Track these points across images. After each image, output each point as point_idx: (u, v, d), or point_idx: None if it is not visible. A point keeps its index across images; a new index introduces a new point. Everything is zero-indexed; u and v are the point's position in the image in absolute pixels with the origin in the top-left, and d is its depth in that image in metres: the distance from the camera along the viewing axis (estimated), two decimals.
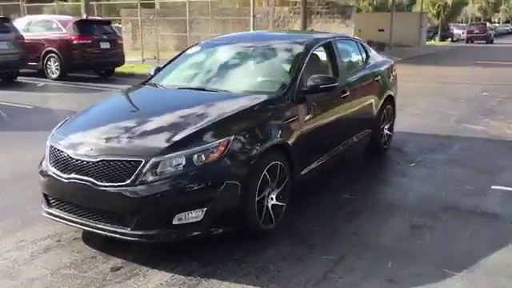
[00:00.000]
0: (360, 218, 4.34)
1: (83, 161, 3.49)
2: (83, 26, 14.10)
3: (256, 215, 3.71)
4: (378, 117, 6.03)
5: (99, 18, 16.66)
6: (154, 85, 4.88)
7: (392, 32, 29.35)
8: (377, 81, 6.00)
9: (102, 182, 3.39)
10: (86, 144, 3.59)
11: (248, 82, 4.64)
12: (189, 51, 5.38)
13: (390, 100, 6.42)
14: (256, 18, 25.58)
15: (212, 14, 20.65)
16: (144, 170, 3.33)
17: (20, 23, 14.88)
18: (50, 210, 3.76)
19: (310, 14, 24.20)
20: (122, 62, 14.97)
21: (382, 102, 6.08)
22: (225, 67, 4.96)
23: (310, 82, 4.42)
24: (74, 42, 13.71)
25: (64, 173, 3.57)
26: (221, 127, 3.68)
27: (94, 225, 3.49)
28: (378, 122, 6.04)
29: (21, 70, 13.89)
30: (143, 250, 3.65)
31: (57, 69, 13.98)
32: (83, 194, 3.48)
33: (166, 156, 3.38)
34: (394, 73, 6.75)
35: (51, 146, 3.79)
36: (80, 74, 14.84)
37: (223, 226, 3.59)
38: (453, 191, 5.00)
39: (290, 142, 4.09)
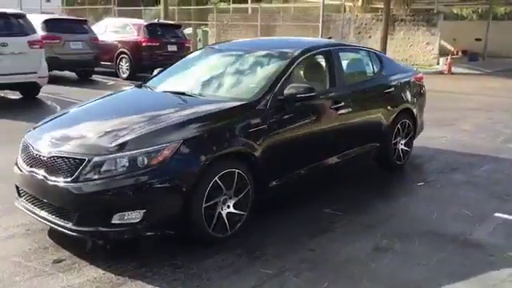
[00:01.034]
0: (328, 235, 4.16)
1: (39, 155, 3.72)
2: (153, 30, 14.81)
3: (203, 222, 3.71)
4: (389, 131, 5.73)
5: (170, 22, 17.35)
6: (145, 87, 5.04)
7: (489, 41, 27.46)
8: (388, 93, 5.71)
9: (51, 176, 3.58)
10: (44, 140, 3.82)
11: (228, 89, 4.66)
12: (190, 56, 5.50)
13: (408, 113, 6.07)
14: (336, 25, 25.50)
15: (283, 20, 20.70)
16: (86, 168, 3.46)
17: (100, 25, 15.97)
18: (20, 201, 4.03)
19: (393, 21, 23.47)
20: None
21: (394, 115, 5.78)
22: (212, 73, 5.02)
23: (286, 91, 4.34)
24: (143, 44, 14.44)
25: (27, 166, 3.82)
26: (172, 131, 3.72)
27: (46, 217, 3.70)
28: (388, 136, 5.74)
29: (97, 69, 14.89)
30: (95, 246, 3.80)
31: (127, 69, 14.80)
32: (38, 187, 3.70)
33: (109, 156, 3.49)
34: (418, 85, 6.39)
35: (23, 141, 4.07)
36: (148, 74, 15.57)
37: (164, 229, 3.65)
38: (447, 215, 4.64)
39: (254, 151, 4.04)
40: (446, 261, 3.73)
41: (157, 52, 14.49)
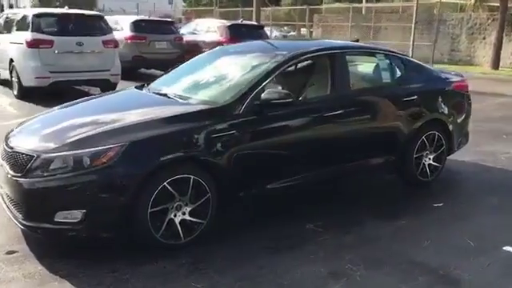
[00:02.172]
0: (291, 253, 3.85)
1: (5, 150, 3.90)
2: (235, 30, 14.99)
3: (149, 226, 3.64)
4: (408, 143, 5.18)
5: (253, 23, 17.43)
6: (143, 87, 5.06)
7: None
8: (409, 101, 5.16)
9: (10, 170, 3.74)
10: (14, 136, 4.00)
11: (208, 92, 4.52)
12: (195, 57, 5.44)
13: (439, 125, 5.46)
14: (447, 25, 23.89)
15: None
16: (34, 165, 3.56)
17: (189, 26, 16.57)
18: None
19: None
20: None
21: (417, 126, 5.22)
22: (202, 75, 4.91)
23: (262, 96, 4.11)
24: (224, 44, 14.67)
25: (1, 159, 4.02)
26: (121, 133, 3.69)
27: (7, 208, 3.87)
28: (408, 148, 5.19)
29: None
30: (54, 242, 3.89)
31: None
32: (4, 180, 3.89)
33: (55, 154, 3.55)
34: (457, 94, 5.72)
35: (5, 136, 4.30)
36: None
37: (106, 231, 3.64)
38: (444, 244, 4.08)
39: (215, 158, 3.87)
40: None
41: None
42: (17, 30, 10.56)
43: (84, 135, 3.69)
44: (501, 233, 4.34)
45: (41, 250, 3.77)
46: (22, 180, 3.59)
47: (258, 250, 3.87)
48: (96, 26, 10.56)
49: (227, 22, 15.76)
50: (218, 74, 4.85)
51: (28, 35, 9.91)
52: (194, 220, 3.85)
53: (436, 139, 5.44)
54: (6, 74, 10.86)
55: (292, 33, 31.42)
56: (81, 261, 3.60)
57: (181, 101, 4.35)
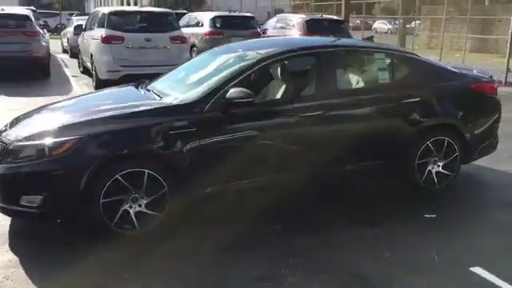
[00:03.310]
0: (235, 252, 3.85)
1: None
2: (313, 25, 14.85)
3: (102, 216, 3.88)
4: (409, 148, 4.87)
5: (334, 17, 16.98)
6: (139, 84, 5.26)
7: None
8: (409, 103, 4.83)
9: None
10: (7, 127, 4.43)
11: (185, 89, 4.59)
12: (198, 56, 5.57)
13: (449, 130, 5.06)
14: None
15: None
16: (6, 153, 3.95)
17: (272, 21, 16.74)
18: None
19: None
20: None
21: (420, 130, 4.89)
22: (190, 73, 5.00)
23: (227, 95, 4.14)
24: None
25: None
26: (81, 126, 3.95)
27: None
28: (408, 154, 4.88)
29: None
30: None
31: None
32: None
33: (22, 144, 3.90)
34: (477, 96, 5.24)
35: None
36: None
37: (63, 217, 3.95)
38: (407, 259, 3.82)
39: (172, 153, 4.00)
40: None
41: None
42: (97, 26, 11.50)
43: (49, 128, 4.02)
44: (479, 253, 3.95)
45: (20, 234, 4.18)
46: None
47: (207, 247, 3.94)
48: (164, 23, 11.15)
49: (306, 17, 15.64)
50: (200, 72, 4.92)
51: (103, 32, 10.76)
52: (151, 213, 4.02)
53: (445, 145, 5.04)
54: (89, 67, 11.90)
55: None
56: (25, 252, 3.84)
57: (157, 98, 4.52)
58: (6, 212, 4.05)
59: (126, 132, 3.99)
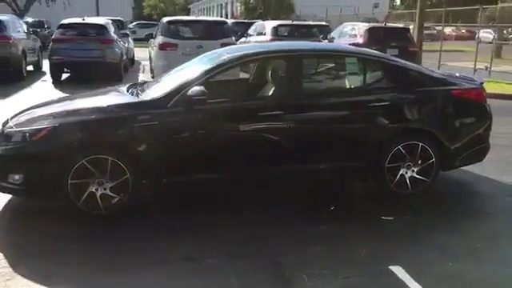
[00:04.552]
0: (175, 235, 4.25)
1: None
2: (374, 33, 14.75)
3: (71, 196, 4.45)
4: (378, 151, 4.93)
5: (397, 26, 16.58)
6: (133, 85, 5.77)
7: None
8: (378, 107, 4.90)
9: None
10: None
11: (160, 88, 4.98)
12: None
13: (424, 136, 5.04)
14: None
15: None
16: (1, 137, 4.67)
17: (338, 29, 16.81)
18: None
19: None
20: None
21: (390, 134, 4.95)
22: (176, 74, 5.35)
23: (188, 93, 4.54)
24: (361, 47, 14.55)
25: None
26: (57, 117, 4.58)
27: None
28: (377, 157, 4.94)
29: None
30: None
31: None
32: None
33: (12, 130, 4.60)
34: (460, 102, 5.16)
35: None
36: None
37: (39, 195, 4.60)
38: (331, 255, 3.96)
39: (133, 143, 4.49)
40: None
41: None
42: (159, 35, 12.45)
43: (33, 118, 4.69)
44: (407, 254, 3.99)
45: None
46: None
47: (152, 232, 4.35)
48: (217, 31, 11.80)
49: (368, 25, 15.53)
50: (182, 73, 5.33)
51: (160, 39, 11.64)
52: (114, 196, 4.53)
53: (419, 151, 5.03)
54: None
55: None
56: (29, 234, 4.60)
57: (133, 96, 5.01)
58: (1, 188, 4.77)
59: (93, 123, 4.54)
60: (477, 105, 5.28)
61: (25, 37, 14.90)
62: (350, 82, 5.16)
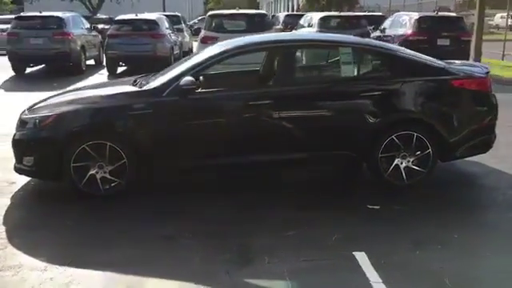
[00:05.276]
0: (146, 218, 4.56)
1: None
2: (425, 23, 14.28)
3: (73, 177, 4.85)
4: (371, 141, 4.94)
5: (450, 15, 15.83)
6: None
7: None
8: (369, 97, 4.90)
9: None
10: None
11: (162, 78, 5.23)
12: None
13: (419, 126, 4.98)
14: None
15: None
16: (19, 124, 5.15)
17: (389, 19, 16.44)
18: None
19: None
20: (463, 59, 14.16)
21: (383, 124, 4.94)
22: (180, 65, 5.58)
23: (180, 83, 4.79)
24: (409, 38, 14.13)
25: None
26: (61, 105, 5.01)
27: None
28: (371, 147, 4.94)
29: None
30: None
31: None
32: None
33: (26, 117, 5.07)
34: (459, 92, 5.03)
35: None
36: None
37: (48, 176, 5.04)
38: (299, 240, 4.08)
39: (129, 129, 4.81)
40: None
41: (422, 46, 13.87)
42: (203, 28, 12.83)
43: (44, 105, 5.14)
44: (374, 240, 4.03)
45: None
46: (15, 133, 5.22)
47: (140, 213, 4.65)
48: (257, 24, 11.97)
49: (418, 15, 15.03)
50: (183, 64, 5.57)
51: (202, 33, 12.02)
52: (113, 179, 4.88)
53: (414, 141, 4.97)
54: None
55: None
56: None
57: (136, 86, 5.31)
58: (17, 170, 5.25)
59: (92, 110, 4.91)
60: (480, 94, 5.13)
61: (85, 33, 15.85)
62: (343, 72, 5.14)
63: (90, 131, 4.88)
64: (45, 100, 5.59)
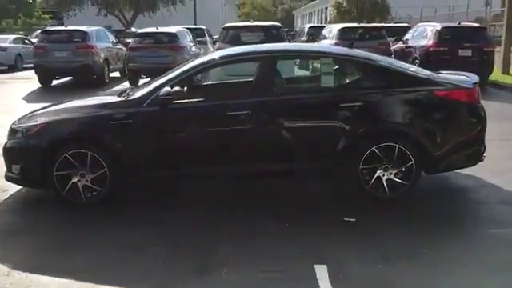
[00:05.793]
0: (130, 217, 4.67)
1: None
2: (447, 34, 13.97)
3: (56, 185, 4.96)
4: (351, 152, 4.86)
5: (472, 25, 15.38)
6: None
7: None
8: (349, 108, 4.82)
9: None
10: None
11: (145, 89, 5.32)
12: None
13: (401, 137, 4.87)
14: None
15: None
16: (9, 133, 5.33)
17: (412, 30, 16.21)
18: None
19: None
20: (486, 71, 13.80)
21: (362, 135, 4.86)
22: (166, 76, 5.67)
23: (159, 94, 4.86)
24: (430, 49, 13.90)
25: None
26: (46, 115, 5.18)
27: None
28: (350, 158, 4.86)
29: None
30: None
31: None
32: None
33: (15, 126, 5.24)
34: (443, 104, 4.90)
35: None
36: None
37: (34, 184, 5.18)
38: (261, 249, 4.06)
39: (111, 139, 4.90)
40: None
41: (443, 57, 13.64)
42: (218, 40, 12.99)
43: (32, 116, 5.29)
44: (349, 254, 3.94)
45: None
46: (6, 142, 5.40)
47: (115, 221, 4.73)
48: (272, 35, 12.07)
49: (439, 25, 14.71)
50: (168, 75, 5.64)
51: (216, 45, 12.17)
52: (94, 187, 4.97)
53: (396, 153, 4.86)
54: None
55: None
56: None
57: (120, 97, 5.40)
58: (6, 178, 5.39)
59: (74, 120, 5.03)
60: (466, 106, 4.98)
61: (109, 46, 16.28)
62: (323, 82, 5.08)
63: (71, 140, 4.99)
64: (36, 110, 5.76)
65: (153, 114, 4.91)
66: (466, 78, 5.28)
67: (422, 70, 5.20)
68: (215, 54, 5.33)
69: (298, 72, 5.44)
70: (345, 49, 5.75)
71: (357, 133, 4.87)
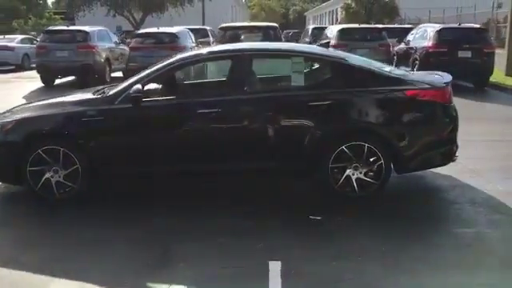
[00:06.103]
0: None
1: None
2: (446, 35, 13.88)
3: (30, 181, 5.03)
4: (321, 151, 4.86)
5: (473, 26, 15.22)
6: None
7: None
8: (318, 106, 4.82)
9: None
10: None
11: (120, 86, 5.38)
12: None
13: (370, 136, 4.87)
14: None
15: None
16: None
17: (413, 31, 16.12)
18: None
19: None
20: (486, 72, 13.69)
21: (331, 134, 4.87)
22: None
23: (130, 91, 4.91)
24: (430, 50, 13.80)
25: None
26: (21, 112, 5.26)
27: None
28: (320, 157, 4.87)
29: None
30: None
31: None
32: None
33: None
34: (414, 103, 4.89)
35: None
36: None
37: (9, 180, 5.26)
38: (221, 246, 4.09)
39: (83, 135, 4.94)
40: None
41: (443, 58, 13.54)
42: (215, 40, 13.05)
43: (10, 113, 5.37)
44: (304, 251, 3.97)
45: None
46: None
47: (92, 218, 4.77)
48: (269, 35, 12.14)
49: (439, 26, 14.62)
50: (142, 73, 5.65)
51: (213, 45, 12.20)
52: (67, 183, 5.03)
53: (366, 152, 4.86)
54: None
55: None
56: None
57: (96, 93, 5.46)
58: None
59: (47, 117, 5.10)
60: (437, 106, 4.95)
61: (111, 46, 16.42)
62: (292, 81, 5.09)
63: (43, 136, 5.06)
64: (15, 107, 5.86)
65: (124, 111, 4.96)
66: (439, 78, 5.26)
67: (396, 69, 5.18)
68: (190, 53, 5.39)
69: (279, 71, 5.41)
70: (317, 48, 5.75)
71: (326, 131, 4.88)
